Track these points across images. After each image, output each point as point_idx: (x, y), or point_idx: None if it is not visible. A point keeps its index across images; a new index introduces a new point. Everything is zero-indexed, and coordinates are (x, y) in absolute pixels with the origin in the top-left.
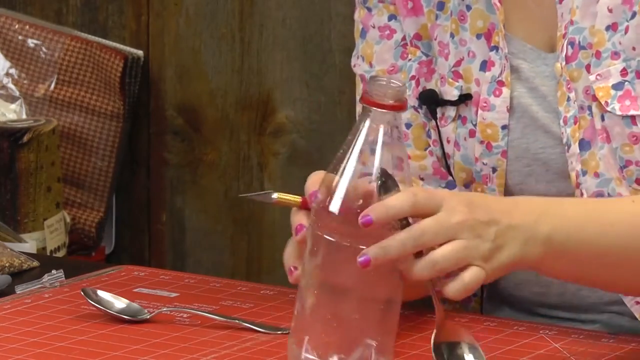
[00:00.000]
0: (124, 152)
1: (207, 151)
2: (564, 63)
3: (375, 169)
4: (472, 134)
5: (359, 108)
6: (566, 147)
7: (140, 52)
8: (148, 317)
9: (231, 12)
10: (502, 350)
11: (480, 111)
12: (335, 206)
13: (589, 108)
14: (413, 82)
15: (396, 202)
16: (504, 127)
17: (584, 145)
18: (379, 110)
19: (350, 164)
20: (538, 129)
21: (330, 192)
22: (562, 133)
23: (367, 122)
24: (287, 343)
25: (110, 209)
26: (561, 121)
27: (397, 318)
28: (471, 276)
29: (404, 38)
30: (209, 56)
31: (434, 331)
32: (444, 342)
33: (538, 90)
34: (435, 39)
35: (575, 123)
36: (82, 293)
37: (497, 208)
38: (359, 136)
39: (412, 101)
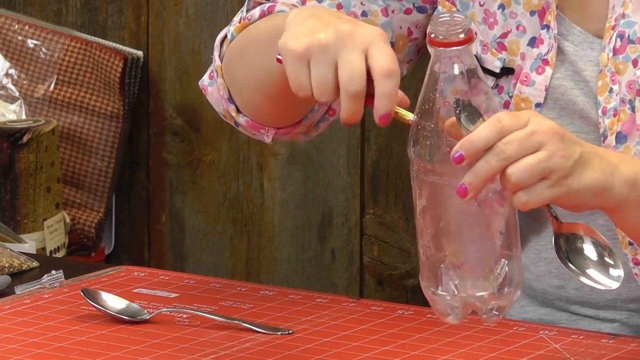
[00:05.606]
0: (124, 153)
1: (207, 151)
2: (611, 54)
3: (453, 103)
4: (506, 105)
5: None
6: (602, 138)
7: (140, 53)
8: (148, 317)
9: (231, 12)
10: (502, 351)
11: (518, 84)
12: (427, 151)
13: (630, 102)
14: None
15: (482, 133)
16: (537, 105)
17: (620, 138)
18: (441, 49)
19: (430, 106)
20: (575, 113)
21: (420, 137)
22: (600, 123)
23: (437, 62)
24: (289, 344)
25: (110, 209)
26: (600, 111)
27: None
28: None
29: None
30: (209, 56)
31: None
32: (564, 234)
33: (580, 75)
34: (482, 5)
35: (614, 115)
36: (81, 293)
37: (582, 140)
38: (432, 77)
39: None
